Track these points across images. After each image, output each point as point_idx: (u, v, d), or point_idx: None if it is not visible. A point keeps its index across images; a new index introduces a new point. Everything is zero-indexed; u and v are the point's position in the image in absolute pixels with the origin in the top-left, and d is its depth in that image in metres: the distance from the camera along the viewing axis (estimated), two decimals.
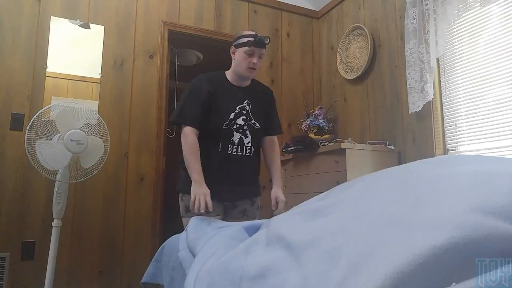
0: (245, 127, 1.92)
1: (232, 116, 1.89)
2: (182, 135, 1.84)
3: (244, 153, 1.93)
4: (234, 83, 1.95)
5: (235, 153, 1.90)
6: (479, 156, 1.63)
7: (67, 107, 2.16)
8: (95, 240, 2.63)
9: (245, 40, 1.87)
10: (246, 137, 1.93)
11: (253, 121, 1.95)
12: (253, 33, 1.90)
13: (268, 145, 2.08)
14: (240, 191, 1.95)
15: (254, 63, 1.87)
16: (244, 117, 1.92)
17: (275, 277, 0.74)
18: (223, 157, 1.88)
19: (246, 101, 1.94)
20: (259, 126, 1.97)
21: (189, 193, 1.84)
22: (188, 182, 1.82)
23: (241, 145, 1.91)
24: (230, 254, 0.98)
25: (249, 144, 1.94)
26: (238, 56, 1.89)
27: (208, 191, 1.73)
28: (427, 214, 0.60)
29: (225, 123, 1.87)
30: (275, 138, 2.10)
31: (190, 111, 1.85)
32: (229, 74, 1.97)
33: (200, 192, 1.71)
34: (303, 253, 0.73)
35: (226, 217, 1.93)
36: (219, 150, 1.87)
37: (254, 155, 1.99)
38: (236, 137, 1.90)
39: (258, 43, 1.86)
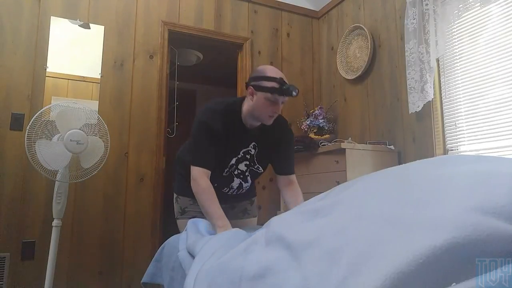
0: (247, 173, 1.74)
1: (233, 161, 1.68)
2: (192, 178, 1.59)
3: (240, 192, 1.80)
4: (245, 124, 1.66)
5: (231, 193, 1.77)
6: (479, 156, 1.63)
7: (67, 107, 2.16)
8: (95, 240, 2.63)
9: (268, 85, 1.54)
10: (246, 182, 1.77)
11: (256, 166, 1.74)
12: (278, 76, 1.56)
13: (287, 186, 1.79)
14: (237, 199, 1.90)
15: (276, 112, 1.59)
16: (247, 162, 1.71)
17: (275, 277, 0.74)
18: (217, 195, 1.63)
19: (253, 143, 1.70)
20: (262, 171, 1.78)
21: (184, 195, 1.80)
22: (183, 184, 1.77)
23: (240, 189, 1.78)
24: (230, 254, 0.98)
25: (248, 187, 1.80)
26: (258, 101, 1.57)
27: None
28: (427, 214, 0.60)
29: (226, 169, 1.68)
30: (293, 177, 1.80)
31: (202, 152, 1.61)
32: (244, 111, 1.65)
33: None
34: (303, 253, 0.73)
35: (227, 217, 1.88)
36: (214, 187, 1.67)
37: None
38: (236, 182, 1.73)
39: (284, 93, 1.54)
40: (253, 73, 1.65)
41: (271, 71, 1.60)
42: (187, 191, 1.72)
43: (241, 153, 1.68)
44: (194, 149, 1.63)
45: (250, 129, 1.68)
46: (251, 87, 1.60)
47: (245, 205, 1.94)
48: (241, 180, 1.74)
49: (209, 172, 1.59)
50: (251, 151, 1.70)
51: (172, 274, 1.43)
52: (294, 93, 1.54)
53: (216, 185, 1.63)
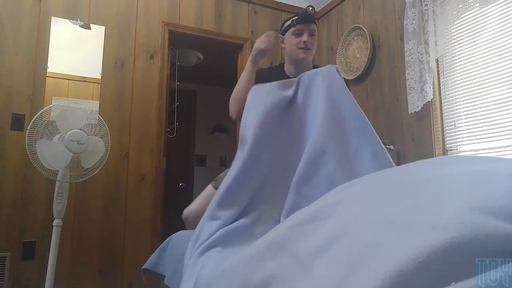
0: None
1: None
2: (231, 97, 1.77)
3: None
4: (290, 76, 1.76)
5: None
6: (478, 157, 1.64)
7: (67, 107, 2.16)
8: (96, 240, 2.63)
9: (289, 22, 1.75)
10: None
11: None
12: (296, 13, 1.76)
13: None
14: None
15: (304, 41, 1.70)
16: None
17: (280, 286, 0.73)
18: None
19: None
20: None
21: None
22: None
23: None
24: (229, 261, 0.97)
25: None
26: (288, 41, 1.74)
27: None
28: (426, 214, 0.60)
29: None
30: None
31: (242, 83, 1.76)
32: (286, 67, 1.82)
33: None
34: (309, 261, 0.72)
35: None
36: None
37: None
38: None
39: (303, 18, 1.70)
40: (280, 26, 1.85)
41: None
42: None
43: None
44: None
45: None
46: (280, 36, 1.79)
47: None
48: None
49: None
50: None
51: (177, 265, 1.42)
52: (310, 11, 1.70)
53: None
